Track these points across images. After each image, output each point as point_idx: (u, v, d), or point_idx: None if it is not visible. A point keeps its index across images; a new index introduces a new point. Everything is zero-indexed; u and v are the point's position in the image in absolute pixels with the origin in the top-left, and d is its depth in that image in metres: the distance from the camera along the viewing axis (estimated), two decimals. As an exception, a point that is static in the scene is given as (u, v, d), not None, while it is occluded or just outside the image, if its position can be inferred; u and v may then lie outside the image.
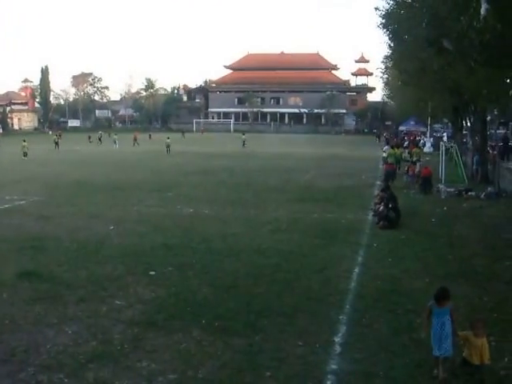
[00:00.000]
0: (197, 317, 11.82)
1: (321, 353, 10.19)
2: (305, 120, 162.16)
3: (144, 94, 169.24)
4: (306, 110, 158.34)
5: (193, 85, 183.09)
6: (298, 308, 12.45)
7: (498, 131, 65.60)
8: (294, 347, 10.39)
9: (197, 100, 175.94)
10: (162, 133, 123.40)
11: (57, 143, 73.40)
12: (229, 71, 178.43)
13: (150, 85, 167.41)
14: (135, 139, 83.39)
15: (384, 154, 46.56)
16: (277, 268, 15.71)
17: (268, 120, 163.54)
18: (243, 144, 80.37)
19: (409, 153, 47.56)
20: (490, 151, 37.86)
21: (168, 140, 66.96)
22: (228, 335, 10.89)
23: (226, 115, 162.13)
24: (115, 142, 78.69)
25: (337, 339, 10.81)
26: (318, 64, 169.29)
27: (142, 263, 16.10)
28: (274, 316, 11.91)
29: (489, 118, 40.84)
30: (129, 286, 14.02)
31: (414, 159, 41.92)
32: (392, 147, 43.96)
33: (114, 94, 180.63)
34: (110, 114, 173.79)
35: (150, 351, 10.22)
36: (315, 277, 14.97)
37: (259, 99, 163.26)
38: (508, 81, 19.29)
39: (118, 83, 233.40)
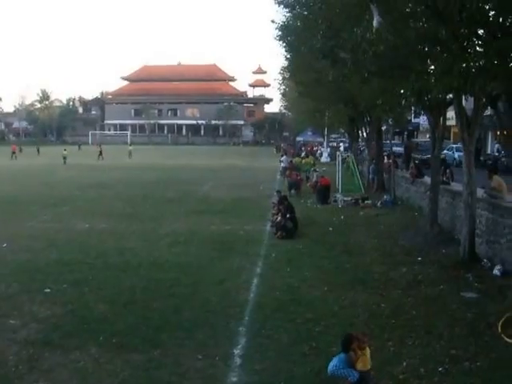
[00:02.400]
0: (94, 334, 11.53)
1: (221, 365, 10.13)
2: (202, 131, 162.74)
3: (39, 105, 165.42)
4: (204, 122, 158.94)
5: (89, 96, 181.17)
6: (197, 321, 12.35)
7: (405, 140, 67.67)
8: (193, 361, 10.27)
9: (93, 112, 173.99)
10: (57, 145, 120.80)
11: None
12: (125, 83, 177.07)
13: (44, 96, 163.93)
14: (14, 152, 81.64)
15: (282, 165, 47.16)
16: (175, 282, 15.54)
17: (165, 132, 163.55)
18: (129, 155, 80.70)
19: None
20: (386, 160, 38.76)
21: (65, 152, 68.32)
22: (126, 351, 10.67)
23: (123, 127, 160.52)
24: None
25: (236, 351, 10.78)
26: (215, 75, 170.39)
27: (37, 280, 15.59)
28: (172, 330, 11.77)
29: (384, 127, 41.99)
30: (23, 305, 13.55)
31: (311, 169, 42.66)
32: (307, 156, 44.60)
33: (8, 106, 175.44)
34: (3, 127, 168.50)
35: (46, 371, 9.89)
36: (214, 289, 14.89)
37: (156, 111, 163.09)
38: (401, 91, 19.79)
39: (12, 95, 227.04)
